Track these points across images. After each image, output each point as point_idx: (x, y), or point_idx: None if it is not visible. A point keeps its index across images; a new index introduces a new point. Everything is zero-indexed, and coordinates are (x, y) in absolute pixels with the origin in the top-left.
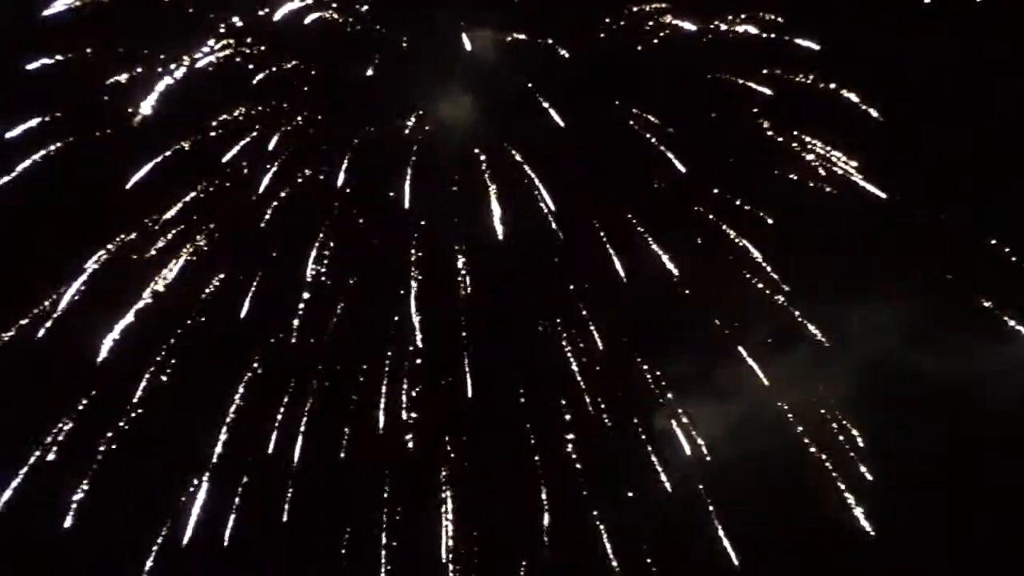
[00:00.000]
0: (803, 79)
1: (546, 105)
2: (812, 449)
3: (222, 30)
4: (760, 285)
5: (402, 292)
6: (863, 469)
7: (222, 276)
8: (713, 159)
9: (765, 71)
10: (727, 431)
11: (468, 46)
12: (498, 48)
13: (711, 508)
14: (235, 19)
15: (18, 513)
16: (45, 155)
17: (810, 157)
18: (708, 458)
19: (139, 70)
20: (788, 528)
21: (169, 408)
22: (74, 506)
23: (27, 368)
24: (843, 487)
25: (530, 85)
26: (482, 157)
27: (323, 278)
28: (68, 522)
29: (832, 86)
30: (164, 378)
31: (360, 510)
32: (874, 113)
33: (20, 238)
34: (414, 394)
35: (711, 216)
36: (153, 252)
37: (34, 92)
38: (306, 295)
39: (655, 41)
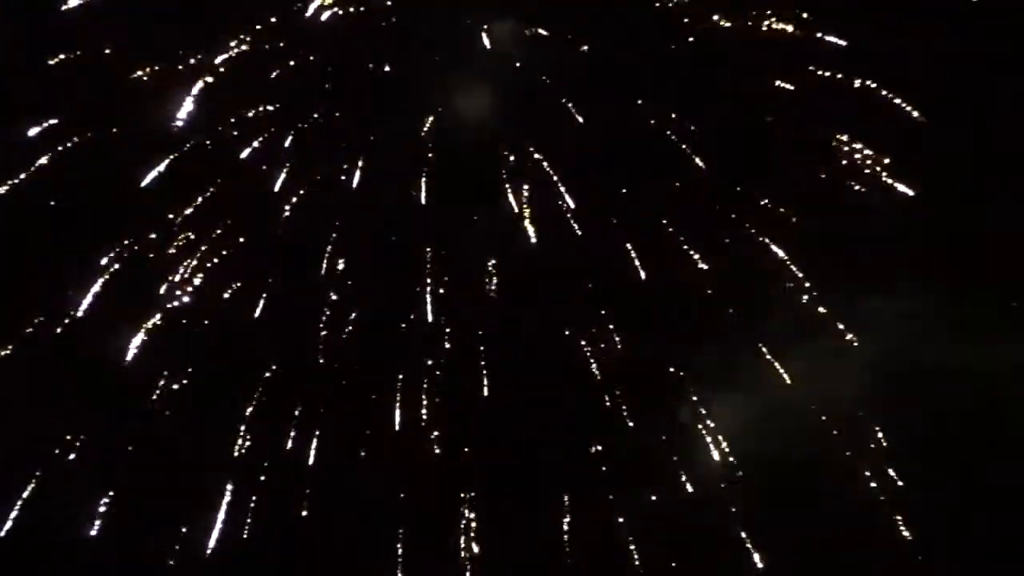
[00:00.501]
0: (831, 75)
1: (568, 102)
2: (837, 448)
3: (241, 27)
4: (786, 283)
5: (420, 291)
6: (891, 472)
7: (238, 274)
8: (737, 156)
9: (792, 67)
10: (750, 430)
11: (489, 42)
12: (520, 43)
13: (734, 509)
14: (254, 15)
15: (41, 520)
16: (62, 152)
17: (838, 154)
18: (732, 459)
19: (157, 67)
20: (813, 529)
21: (190, 410)
22: (99, 511)
23: (46, 369)
24: (870, 487)
25: (552, 81)
26: (502, 154)
27: (340, 277)
28: (93, 530)
29: (864, 83)
30: (184, 380)
31: (378, 509)
32: (913, 112)
33: (37, 237)
34: (433, 393)
35: (734, 214)
36: (171, 251)
37: (51, 88)
38: (323, 294)
39: (682, 36)
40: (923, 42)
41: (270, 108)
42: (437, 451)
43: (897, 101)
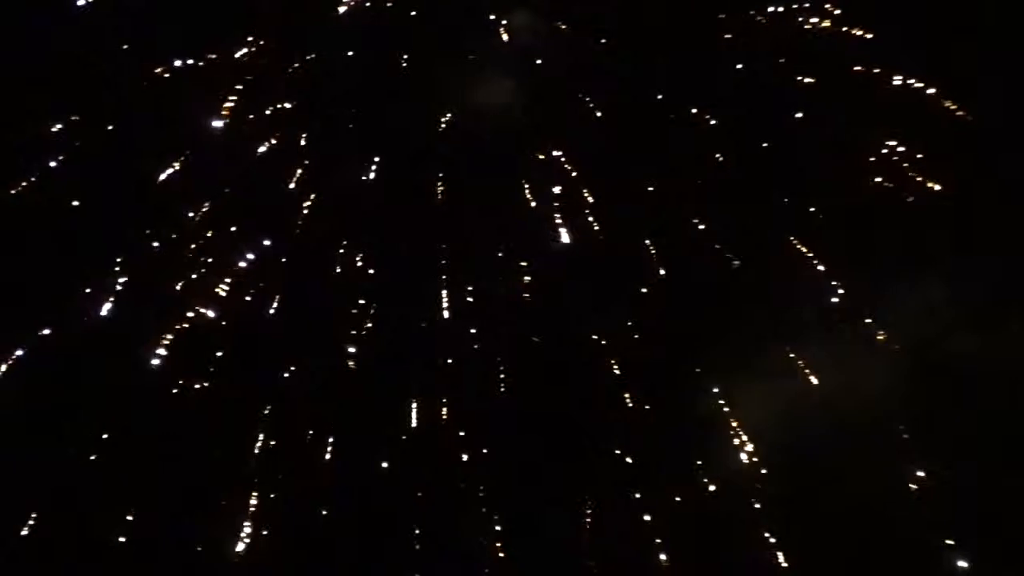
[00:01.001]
0: (862, 69)
1: (589, 97)
2: (865, 443)
3: (258, 22)
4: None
5: (438, 289)
6: (920, 473)
7: (256, 273)
8: (763, 149)
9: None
10: (775, 425)
11: (508, 36)
12: (540, 37)
13: (758, 506)
14: (271, 11)
15: (66, 528)
16: (78, 150)
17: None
18: (756, 456)
19: (177, 63)
20: (839, 526)
21: (211, 412)
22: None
23: (64, 372)
24: (899, 483)
25: (573, 75)
26: (522, 150)
27: (359, 275)
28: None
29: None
30: (206, 382)
31: (398, 510)
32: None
33: (53, 238)
34: (452, 393)
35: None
36: (188, 251)
37: (67, 85)
38: (339, 293)
39: (706, 28)
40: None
41: (287, 105)
42: (456, 451)
43: (930, 91)
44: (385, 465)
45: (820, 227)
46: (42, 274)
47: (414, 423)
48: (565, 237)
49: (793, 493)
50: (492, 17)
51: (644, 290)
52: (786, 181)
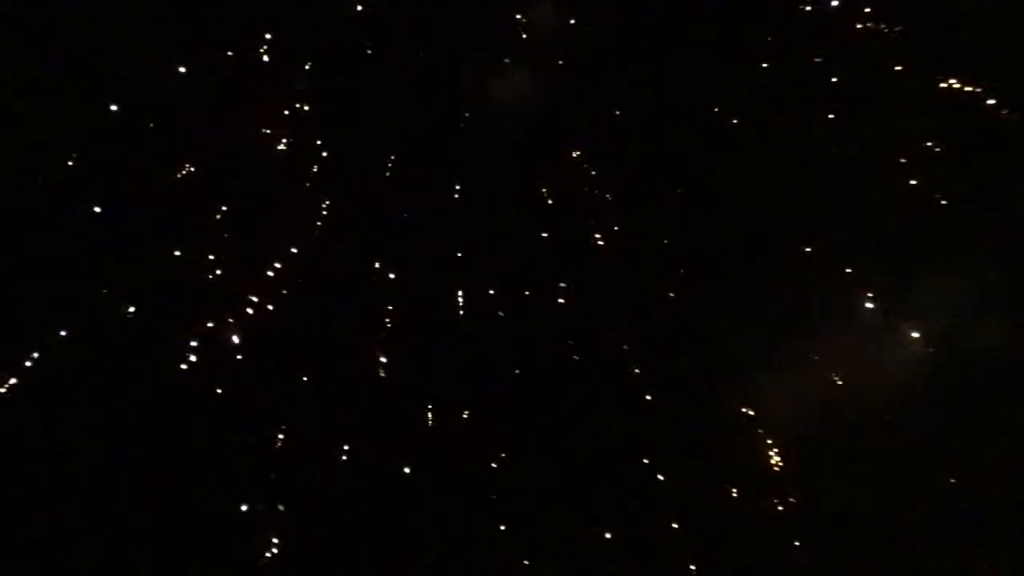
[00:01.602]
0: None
1: (610, 92)
2: (892, 439)
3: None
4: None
5: (453, 288)
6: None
7: (273, 272)
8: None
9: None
10: (800, 421)
11: (527, 30)
12: (559, 28)
13: (782, 507)
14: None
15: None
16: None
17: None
18: (781, 463)
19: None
20: (867, 524)
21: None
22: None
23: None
24: (927, 481)
25: (593, 70)
26: (540, 147)
27: (368, 274)
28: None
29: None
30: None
31: (411, 510)
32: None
33: (72, 241)
34: (465, 392)
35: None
36: (207, 252)
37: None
38: (351, 291)
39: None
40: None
41: (292, 98)
42: (471, 451)
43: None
44: (406, 470)
45: (847, 222)
46: (60, 276)
47: (430, 421)
48: (573, 231)
49: (821, 493)
50: (512, 10)
51: (665, 287)
52: (813, 177)
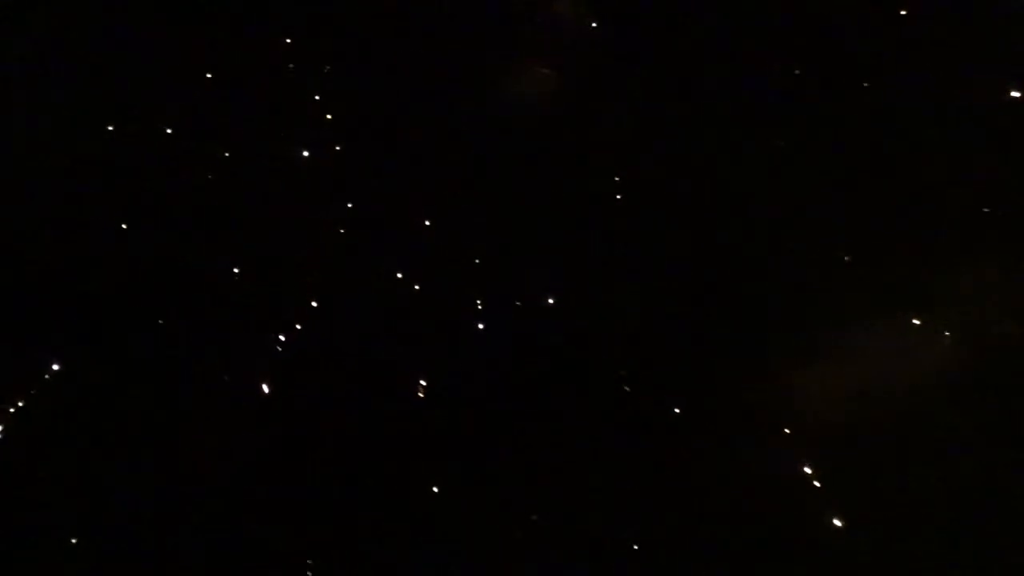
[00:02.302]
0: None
1: (636, 85)
2: (922, 432)
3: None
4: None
5: (469, 290)
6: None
7: (290, 274)
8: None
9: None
10: (827, 413)
11: (550, 20)
12: (586, 15)
13: (807, 505)
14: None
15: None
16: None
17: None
18: (806, 469)
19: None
20: (897, 520)
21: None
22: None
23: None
24: (958, 475)
25: (619, 62)
26: (563, 142)
27: (384, 271)
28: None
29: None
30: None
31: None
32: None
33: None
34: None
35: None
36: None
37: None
38: (367, 289)
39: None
40: None
41: (307, 94)
42: (484, 453)
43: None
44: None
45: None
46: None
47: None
48: (594, 230)
49: (846, 484)
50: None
51: (690, 283)
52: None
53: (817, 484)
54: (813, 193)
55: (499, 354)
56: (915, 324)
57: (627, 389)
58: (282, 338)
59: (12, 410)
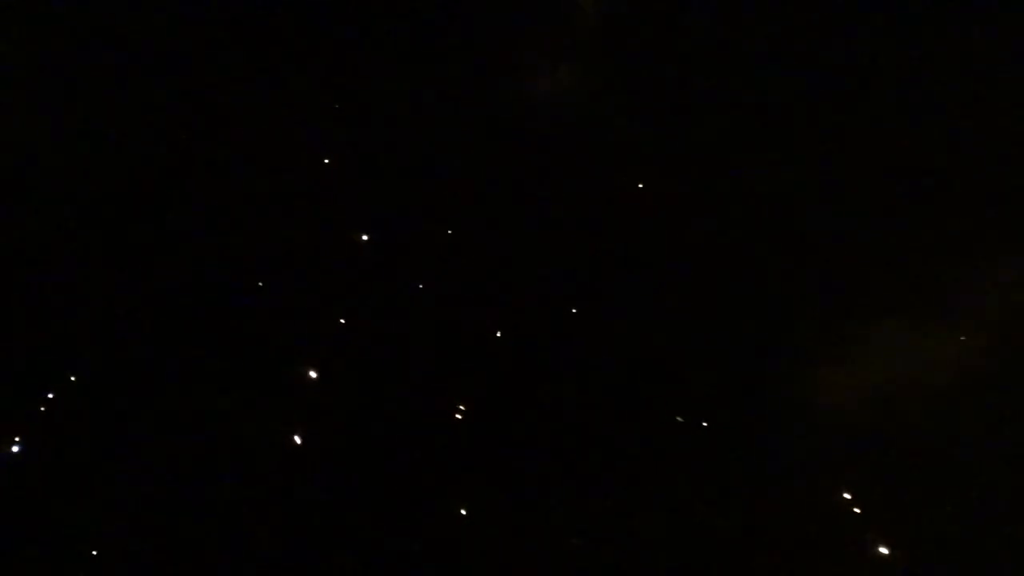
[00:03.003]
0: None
1: (661, 80)
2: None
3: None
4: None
5: (481, 290)
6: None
7: (307, 276)
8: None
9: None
10: (853, 410)
11: (570, 12)
12: (616, 11)
13: (837, 503)
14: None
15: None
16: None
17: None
18: (833, 445)
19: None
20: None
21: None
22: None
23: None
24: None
25: (643, 56)
26: (583, 138)
27: (406, 274)
28: None
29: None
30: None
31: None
32: None
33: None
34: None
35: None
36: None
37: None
38: (388, 292)
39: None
40: None
41: (329, 89)
42: (499, 450)
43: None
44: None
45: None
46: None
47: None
48: (611, 227)
49: (875, 482)
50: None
51: (714, 277)
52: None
53: (847, 496)
54: (836, 195)
55: (518, 362)
56: (937, 326)
57: (679, 420)
58: (299, 347)
59: (24, 419)
